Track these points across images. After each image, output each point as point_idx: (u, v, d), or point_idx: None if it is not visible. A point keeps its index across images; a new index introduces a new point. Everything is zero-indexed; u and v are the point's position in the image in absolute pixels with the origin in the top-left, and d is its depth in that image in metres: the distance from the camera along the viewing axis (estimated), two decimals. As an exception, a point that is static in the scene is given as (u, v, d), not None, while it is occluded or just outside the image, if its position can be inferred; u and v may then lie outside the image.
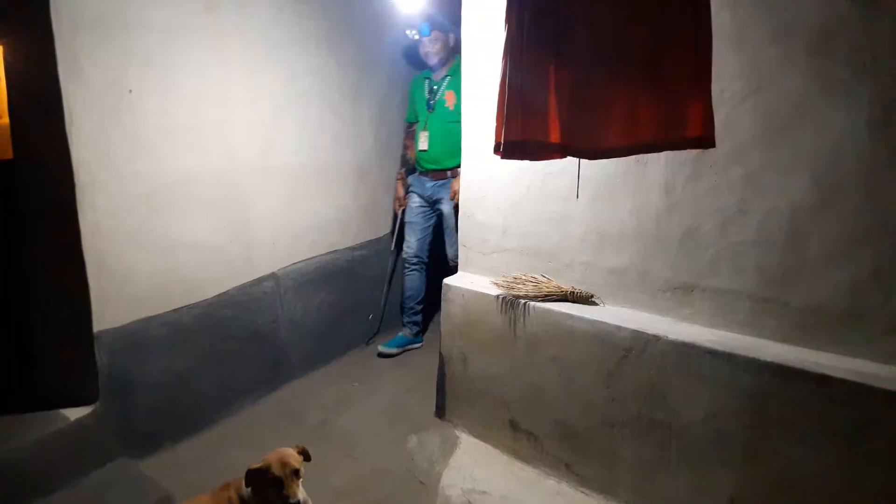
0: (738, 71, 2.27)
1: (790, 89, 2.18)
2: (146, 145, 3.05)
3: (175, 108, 3.17)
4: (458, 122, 3.31)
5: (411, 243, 4.51)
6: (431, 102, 4.26)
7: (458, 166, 3.56)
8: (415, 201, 4.48)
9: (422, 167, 4.41)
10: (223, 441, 3.33)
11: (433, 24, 4.12)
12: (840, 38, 2.05)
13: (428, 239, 4.54)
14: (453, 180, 4.22)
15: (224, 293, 3.56)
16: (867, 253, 2.10)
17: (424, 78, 4.36)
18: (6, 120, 3.14)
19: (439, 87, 4.24)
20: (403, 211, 4.63)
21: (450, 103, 4.16)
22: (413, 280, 4.58)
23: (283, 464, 2.19)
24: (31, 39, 2.77)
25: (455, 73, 4.04)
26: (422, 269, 4.57)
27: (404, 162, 4.62)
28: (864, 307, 2.13)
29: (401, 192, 4.60)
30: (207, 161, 3.38)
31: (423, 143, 4.30)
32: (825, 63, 2.10)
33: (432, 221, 4.53)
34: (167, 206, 3.19)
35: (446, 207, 4.31)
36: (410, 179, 4.56)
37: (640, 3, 1.99)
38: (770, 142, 2.25)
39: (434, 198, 4.39)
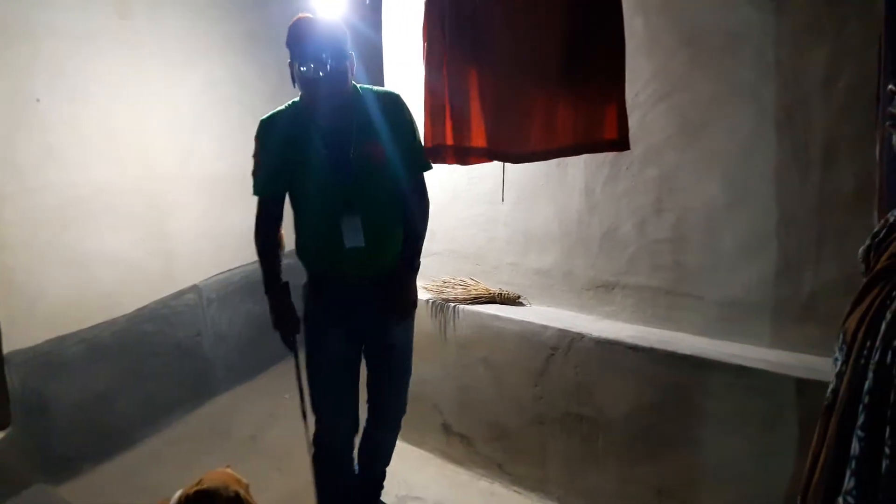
0: (652, 75, 2.36)
1: (701, 92, 2.28)
2: (57, 156, 2.91)
3: (88, 118, 3.04)
4: (393, 187, 2.16)
5: (331, 421, 2.41)
6: (347, 156, 2.11)
7: (412, 257, 2.29)
8: (331, 338, 2.29)
9: (343, 274, 2.23)
10: (147, 461, 3.20)
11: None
12: (746, 42, 2.17)
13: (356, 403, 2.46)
14: (404, 283, 2.29)
15: (144, 307, 3.43)
16: (776, 247, 2.21)
17: (303, 122, 2.14)
18: None
19: (350, 134, 2.12)
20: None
21: (378, 157, 2.13)
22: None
23: (236, 480, 2.10)
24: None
25: (368, 109, 2.14)
26: (351, 463, 2.55)
27: (272, 271, 2.31)
28: (775, 299, 2.25)
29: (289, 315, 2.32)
30: (123, 171, 3.26)
31: (351, 234, 2.14)
32: (733, 66, 2.21)
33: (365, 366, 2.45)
34: (82, 219, 3.05)
35: (399, 337, 2.39)
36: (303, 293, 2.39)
37: (556, 13, 2.05)
38: (683, 143, 2.34)
39: (372, 325, 2.30)
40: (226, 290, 3.99)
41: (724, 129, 2.26)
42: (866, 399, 0.81)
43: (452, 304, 2.97)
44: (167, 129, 3.50)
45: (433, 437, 3.14)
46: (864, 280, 0.96)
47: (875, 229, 1.05)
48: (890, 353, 0.79)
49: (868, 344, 0.84)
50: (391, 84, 3.19)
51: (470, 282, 3.03)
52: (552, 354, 2.64)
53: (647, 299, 2.52)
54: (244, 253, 4.13)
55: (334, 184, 2.09)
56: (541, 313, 2.77)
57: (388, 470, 2.66)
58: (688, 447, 2.32)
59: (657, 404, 2.37)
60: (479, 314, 2.88)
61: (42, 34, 2.81)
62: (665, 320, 2.49)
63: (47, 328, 2.95)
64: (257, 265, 4.13)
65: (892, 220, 1.02)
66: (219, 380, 3.94)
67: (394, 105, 2.16)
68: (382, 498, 2.82)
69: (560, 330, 2.62)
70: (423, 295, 3.10)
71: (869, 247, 1.04)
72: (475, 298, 2.94)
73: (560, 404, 2.65)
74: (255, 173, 2.25)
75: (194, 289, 3.77)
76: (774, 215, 2.20)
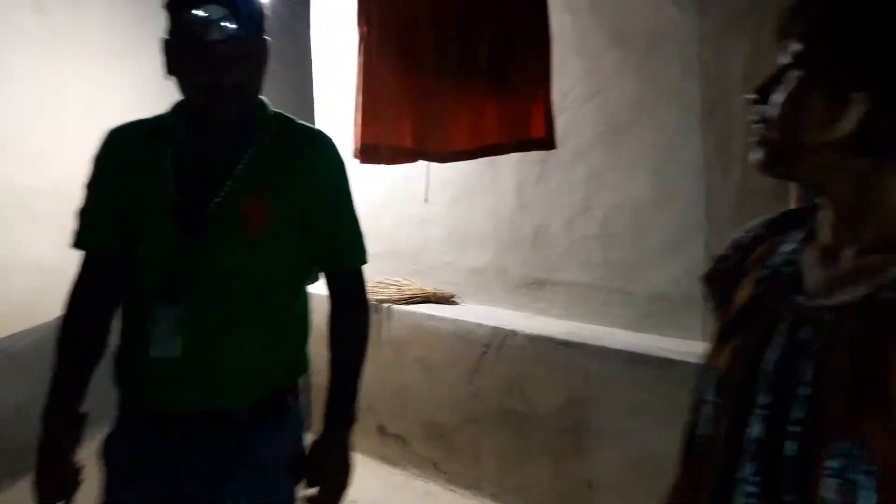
0: (581, 75, 2.40)
1: (628, 91, 2.34)
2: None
3: (2, 118, 2.89)
4: (269, 277, 1.35)
5: None
6: (202, 209, 1.29)
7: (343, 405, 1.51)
8: None
9: (154, 402, 1.35)
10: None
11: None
12: (671, 43, 2.23)
13: None
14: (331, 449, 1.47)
15: (59, 318, 3.28)
16: (702, 242, 2.28)
17: (160, 142, 1.39)
18: None
19: (222, 175, 1.31)
20: None
21: (256, 223, 1.30)
22: None
23: None
24: None
25: (273, 146, 1.36)
26: None
27: (65, 381, 1.48)
28: (700, 293, 2.31)
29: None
30: (42, 173, 3.10)
31: (161, 335, 1.28)
32: (659, 66, 2.27)
33: None
34: (-2, 224, 2.90)
35: None
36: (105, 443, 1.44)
37: (482, 14, 2.07)
38: (611, 141, 2.39)
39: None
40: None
41: (650, 127, 2.32)
42: (753, 448, 0.76)
43: (387, 305, 2.95)
44: (89, 128, 3.34)
45: (368, 440, 3.11)
46: (730, 313, 0.88)
47: (722, 252, 0.97)
48: (784, 399, 0.74)
49: (747, 388, 0.78)
50: (320, 88, 3.15)
51: (405, 282, 3.02)
52: (485, 352, 2.65)
53: (578, 295, 2.56)
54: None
55: (165, 249, 1.28)
56: (475, 311, 2.78)
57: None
58: (619, 440, 2.36)
59: (588, 399, 2.41)
60: (413, 314, 2.87)
61: None
62: (596, 316, 2.54)
63: None
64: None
65: (746, 240, 0.95)
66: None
67: (320, 155, 1.38)
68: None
69: (493, 327, 2.63)
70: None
71: (718, 272, 0.97)
72: (410, 298, 2.93)
73: (493, 401, 2.66)
74: (79, 213, 1.46)
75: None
76: (699, 211, 2.27)
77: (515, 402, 2.59)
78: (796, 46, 0.75)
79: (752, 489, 0.74)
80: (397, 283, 3.03)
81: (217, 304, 1.28)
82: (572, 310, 2.58)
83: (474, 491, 2.77)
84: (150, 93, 3.69)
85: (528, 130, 2.12)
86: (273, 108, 1.41)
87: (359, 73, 2.28)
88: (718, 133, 2.18)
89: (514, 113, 2.12)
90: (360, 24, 2.29)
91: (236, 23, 1.20)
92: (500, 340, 2.60)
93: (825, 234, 0.80)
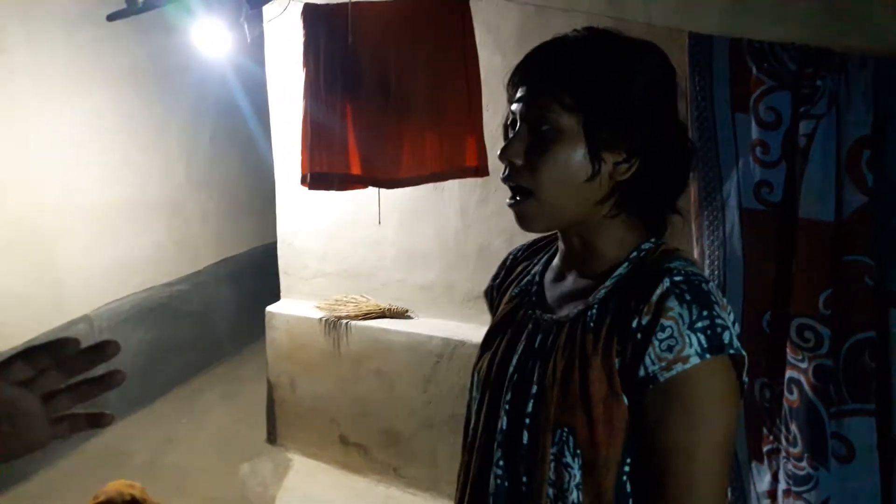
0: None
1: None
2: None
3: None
4: None
5: None
6: None
7: None
8: None
9: None
10: (41, 494, 3.15)
11: None
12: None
13: None
14: None
15: (32, 340, 3.38)
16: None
17: None
18: None
19: None
20: None
21: None
22: None
23: (129, 485, 2.19)
24: None
25: None
26: None
27: None
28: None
29: None
30: (3, 202, 3.22)
31: None
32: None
33: None
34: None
35: None
36: None
37: (418, 54, 2.29)
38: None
39: None
40: (118, 319, 3.96)
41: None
42: (500, 438, 0.91)
43: (345, 321, 3.14)
44: (48, 161, 3.47)
45: (330, 450, 3.28)
46: (490, 324, 1.04)
47: (495, 271, 1.14)
48: (519, 395, 0.90)
49: (498, 387, 0.93)
50: (276, 112, 3.33)
51: (361, 299, 3.21)
52: (438, 361, 2.86)
53: (519, 307, 2.79)
54: (134, 281, 4.13)
55: None
56: (427, 324, 2.99)
57: (287, 485, 2.78)
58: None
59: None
60: (370, 328, 3.06)
61: None
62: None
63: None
64: (147, 293, 4.12)
65: (508, 261, 1.12)
66: (113, 408, 3.88)
67: None
68: (283, 511, 2.93)
69: (444, 339, 2.85)
70: (316, 314, 3.25)
71: (491, 288, 1.13)
72: (366, 314, 3.12)
73: (447, 407, 2.87)
74: None
75: (85, 319, 3.73)
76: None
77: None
78: (552, 108, 0.82)
79: (499, 472, 0.91)
80: (354, 300, 3.22)
81: None
82: (514, 320, 2.81)
83: (433, 493, 2.97)
84: (109, 124, 3.84)
85: (464, 160, 2.34)
86: None
87: (304, 109, 2.47)
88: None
89: (450, 144, 2.34)
90: (304, 65, 2.48)
91: None
92: (451, 350, 2.81)
93: (558, 260, 0.98)
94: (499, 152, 0.87)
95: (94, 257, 3.80)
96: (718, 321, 0.79)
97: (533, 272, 1.02)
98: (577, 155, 0.83)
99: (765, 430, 1.94)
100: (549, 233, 1.01)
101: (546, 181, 0.84)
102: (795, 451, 1.83)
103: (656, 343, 0.79)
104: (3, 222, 3.23)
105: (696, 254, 2.07)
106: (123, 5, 3.42)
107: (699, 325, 0.78)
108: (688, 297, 0.80)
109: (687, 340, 0.78)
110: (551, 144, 0.83)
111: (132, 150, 4.07)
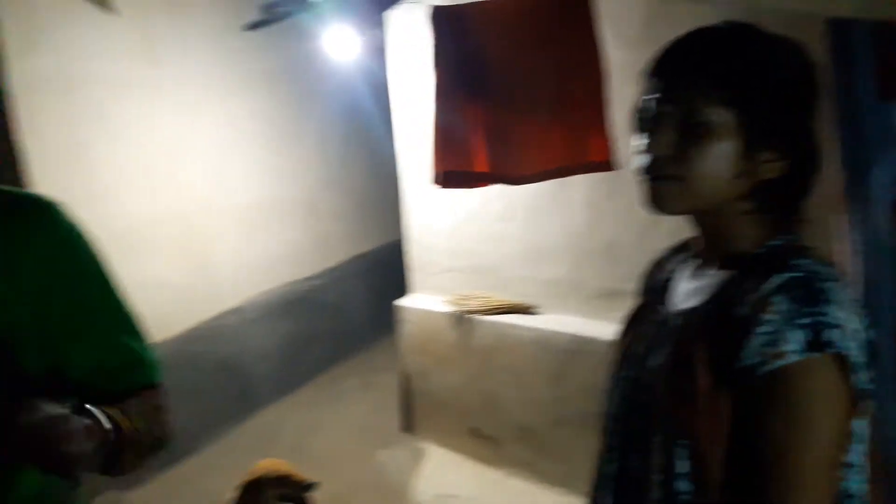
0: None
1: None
2: (104, 194, 3.21)
3: (128, 157, 3.34)
4: None
5: None
6: None
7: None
8: None
9: None
10: (203, 469, 3.48)
11: None
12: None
13: None
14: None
15: (192, 328, 3.72)
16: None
17: None
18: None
19: None
20: None
21: None
22: None
23: (280, 463, 2.38)
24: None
25: None
26: None
27: None
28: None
29: None
30: (161, 204, 3.55)
31: None
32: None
33: None
34: (129, 249, 3.34)
35: None
36: None
37: (544, 50, 2.27)
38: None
39: None
40: (264, 311, 4.27)
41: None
42: (614, 425, 1.00)
43: (473, 316, 3.19)
44: (198, 163, 3.79)
45: (463, 441, 3.37)
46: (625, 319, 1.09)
47: (649, 270, 1.16)
48: (635, 385, 0.96)
49: (623, 377, 1.00)
50: (400, 121, 3.42)
51: (488, 294, 3.25)
52: (567, 358, 2.85)
53: (651, 303, 2.72)
54: (277, 275, 4.42)
55: None
56: (555, 321, 2.98)
57: (423, 473, 2.89)
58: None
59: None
60: (497, 324, 3.10)
61: (86, 83, 3.11)
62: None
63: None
64: (289, 286, 4.39)
65: (655, 262, 1.15)
66: (262, 394, 4.22)
67: (42, 230, 0.96)
68: (419, 498, 3.07)
69: (573, 335, 2.83)
70: (444, 308, 3.33)
71: (640, 287, 1.17)
72: (493, 310, 3.16)
73: (579, 404, 2.85)
74: None
75: (236, 310, 4.05)
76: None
77: (599, 405, 2.77)
78: (708, 102, 0.83)
79: (615, 457, 0.98)
80: (481, 296, 3.27)
81: None
82: (646, 317, 2.74)
83: (566, 488, 2.97)
84: (248, 127, 4.11)
85: (590, 154, 2.29)
86: None
87: (436, 111, 2.52)
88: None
89: (576, 139, 2.30)
90: (435, 66, 2.53)
91: None
92: (580, 347, 2.79)
93: (692, 256, 1.00)
94: (646, 143, 0.87)
95: (242, 253, 4.12)
96: (825, 319, 0.77)
97: (666, 269, 1.06)
98: (730, 151, 0.84)
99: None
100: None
101: (697, 172, 0.85)
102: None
103: (757, 337, 0.78)
104: (164, 221, 3.57)
105: (843, 249, 1.93)
106: (260, 16, 3.65)
107: (803, 321, 0.77)
108: (797, 293, 0.79)
109: (788, 336, 0.77)
110: (705, 139, 0.84)
111: (271, 154, 4.35)
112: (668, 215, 0.90)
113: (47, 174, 2.95)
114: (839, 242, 1.94)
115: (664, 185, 0.87)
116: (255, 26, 3.90)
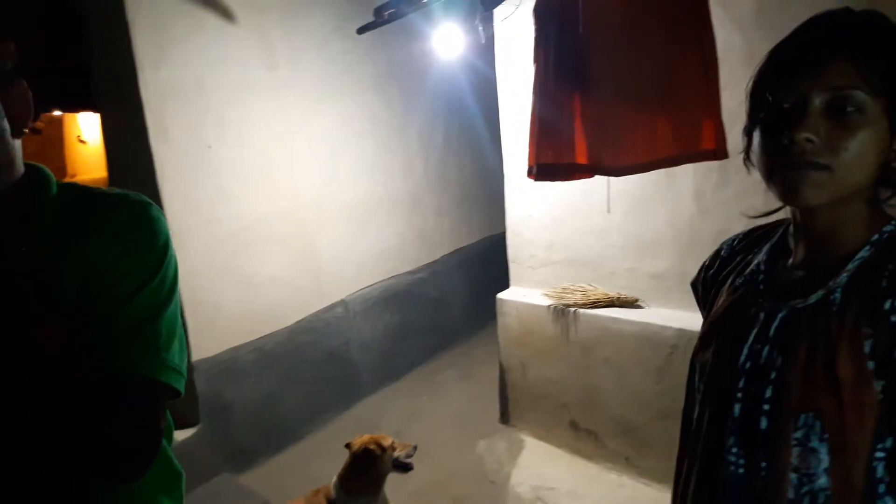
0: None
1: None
2: (225, 193, 3.44)
3: (246, 158, 3.56)
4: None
5: None
6: None
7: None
8: None
9: None
10: (309, 454, 3.66)
11: None
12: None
13: None
14: None
15: (301, 320, 3.92)
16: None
17: None
18: (105, 175, 3.59)
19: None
20: None
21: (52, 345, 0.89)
22: None
23: (380, 436, 2.58)
24: (125, 108, 3.19)
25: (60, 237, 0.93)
26: None
27: None
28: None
29: None
30: (276, 202, 3.76)
31: None
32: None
33: None
34: (246, 246, 3.57)
35: None
36: None
37: (651, 36, 2.23)
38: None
39: None
40: (368, 304, 4.42)
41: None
42: (733, 425, 0.91)
43: (573, 309, 3.18)
44: (309, 163, 3.98)
45: (562, 434, 3.36)
46: (712, 315, 1.04)
47: (706, 262, 1.14)
48: (757, 384, 0.90)
49: (729, 376, 0.93)
50: (505, 110, 3.45)
51: (588, 287, 3.23)
52: (672, 352, 2.79)
53: (761, 297, 2.62)
54: (381, 269, 4.57)
55: None
56: (659, 314, 2.92)
57: (521, 464, 2.92)
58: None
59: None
60: (598, 317, 3.07)
61: (210, 90, 3.34)
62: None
63: (225, 339, 3.48)
64: (392, 280, 4.51)
65: (723, 251, 1.12)
66: (365, 383, 4.37)
67: (134, 231, 0.96)
68: (517, 489, 3.09)
69: (678, 329, 2.76)
70: (544, 301, 3.34)
71: (703, 279, 1.14)
72: (594, 303, 3.14)
73: (682, 400, 2.78)
74: None
75: (342, 303, 4.23)
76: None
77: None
78: (859, 89, 0.81)
79: (733, 459, 0.90)
80: (581, 289, 3.25)
81: None
82: (756, 311, 2.64)
83: (667, 484, 2.90)
84: (358, 127, 4.28)
85: (700, 143, 2.22)
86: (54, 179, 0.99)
87: (533, 103, 2.54)
88: None
89: (685, 127, 2.24)
90: (535, 59, 2.55)
91: None
92: (686, 341, 2.73)
93: (792, 245, 0.96)
94: (795, 131, 0.84)
95: (349, 248, 4.29)
96: None
97: (757, 261, 1.01)
98: (878, 138, 0.83)
99: None
100: (771, 222, 1.04)
101: (848, 160, 0.83)
102: None
103: None
104: (279, 219, 3.78)
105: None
106: (371, 18, 3.79)
107: None
108: None
109: None
110: (856, 126, 0.82)
111: (377, 151, 4.50)
112: (808, 206, 0.87)
113: (174, 176, 3.21)
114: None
115: (809, 175, 0.84)
116: (366, 28, 4.06)
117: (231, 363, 3.49)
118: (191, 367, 3.29)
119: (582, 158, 2.50)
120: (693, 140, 2.25)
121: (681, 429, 1.10)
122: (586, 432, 3.24)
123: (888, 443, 0.80)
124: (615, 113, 2.37)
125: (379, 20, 3.97)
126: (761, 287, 0.97)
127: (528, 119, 2.57)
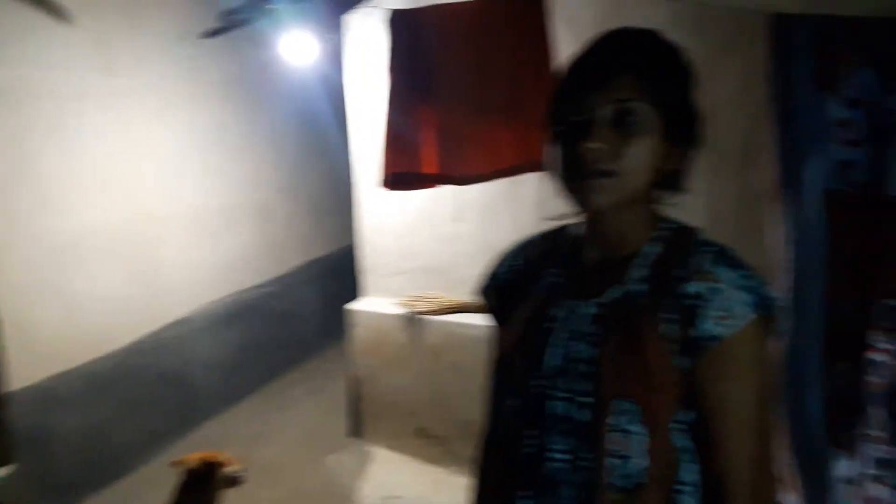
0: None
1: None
2: (52, 204, 3.13)
3: (79, 168, 3.27)
4: None
5: None
6: None
7: None
8: None
9: None
10: (144, 485, 3.37)
11: None
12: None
13: None
14: None
15: (136, 341, 3.63)
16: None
17: None
18: None
19: None
20: None
21: None
22: None
23: (210, 454, 2.42)
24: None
25: None
26: None
27: None
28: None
29: None
30: (112, 214, 3.49)
31: None
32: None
33: None
34: (75, 261, 3.26)
35: None
36: None
37: (496, 52, 2.35)
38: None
39: None
40: (212, 320, 4.20)
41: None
42: (551, 423, 0.94)
43: (424, 317, 3.22)
44: (152, 172, 3.74)
45: (410, 442, 3.37)
46: (514, 320, 1.08)
47: (494, 270, 1.24)
48: (570, 379, 0.94)
49: (541, 377, 0.97)
50: (353, 119, 3.46)
51: (439, 295, 3.29)
52: (515, 355, 2.89)
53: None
54: (227, 283, 4.37)
55: None
56: (504, 319, 3.02)
57: (369, 476, 2.87)
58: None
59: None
60: (447, 323, 3.13)
61: (41, 95, 3.06)
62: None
63: (47, 366, 3.12)
64: (239, 294, 4.32)
65: (516, 261, 1.20)
66: (208, 405, 4.13)
67: None
68: (365, 502, 3.04)
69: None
70: (395, 310, 3.35)
71: (493, 287, 1.24)
72: (445, 310, 3.20)
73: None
74: None
75: (184, 320, 3.98)
76: (704, 213, 2.48)
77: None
78: (639, 100, 0.89)
79: (558, 455, 0.92)
80: (433, 297, 3.30)
81: None
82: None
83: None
84: (204, 135, 4.10)
85: (540, 154, 2.36)
86: None
87: (387, 113, 2.57)
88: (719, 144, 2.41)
89: (526, 139, 2.37)
90: (390, 69, 2.58)
91: None
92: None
93: (584, 247, 1.03)
94: (586, 142, 0.90)
95: (192, 261, 4.06)
96: (760, 282, 0.89)
97: (552, 265, 1.07)
98: (655, 144, 0.91)
99: (846, 414, 1.88)
100: (554, 228, 1.12)
101: (630, 165, 0.90)
102: (880, 434, 1.76)
103: (711, 305, 0.87)
104: (113, 234, 3.50)
105: (776, 238, 2.03)
106: (218, 24, 3.67)
107: (747, 284, 0.88)
108: (732, 262, 0.90)
109: (740, 300, 0.87)
110: (635, 133, 0.89)
111: (225, 160, 4.33)
112: (598, 211, 0.93)
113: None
114: (772, 231, 2.04)
115: (607, 182, 0.90)
116: (212, 34, 3.91)
117: (54, 391, 3.15)
118: (3, 398, 2.93)
119: (432, 168, 2.55)
120: (534, 151, 2.38)
121: (487, 435, 1.14)
122: (434, 438, 3.27)
123: (690, 416, 0.89)
124: (465, 124, 2.45)
125: (226, 25, 3.86)
126: (562, 289, 1.02)
127: (380, 128, 2.59)
